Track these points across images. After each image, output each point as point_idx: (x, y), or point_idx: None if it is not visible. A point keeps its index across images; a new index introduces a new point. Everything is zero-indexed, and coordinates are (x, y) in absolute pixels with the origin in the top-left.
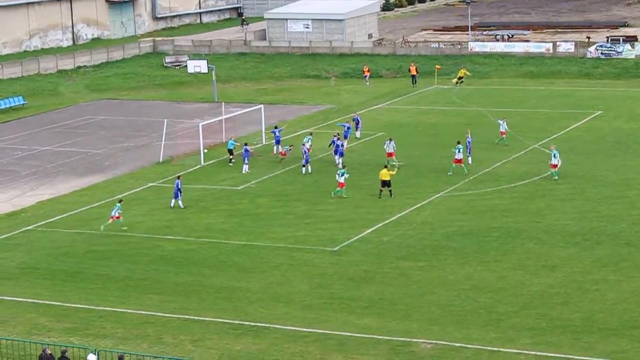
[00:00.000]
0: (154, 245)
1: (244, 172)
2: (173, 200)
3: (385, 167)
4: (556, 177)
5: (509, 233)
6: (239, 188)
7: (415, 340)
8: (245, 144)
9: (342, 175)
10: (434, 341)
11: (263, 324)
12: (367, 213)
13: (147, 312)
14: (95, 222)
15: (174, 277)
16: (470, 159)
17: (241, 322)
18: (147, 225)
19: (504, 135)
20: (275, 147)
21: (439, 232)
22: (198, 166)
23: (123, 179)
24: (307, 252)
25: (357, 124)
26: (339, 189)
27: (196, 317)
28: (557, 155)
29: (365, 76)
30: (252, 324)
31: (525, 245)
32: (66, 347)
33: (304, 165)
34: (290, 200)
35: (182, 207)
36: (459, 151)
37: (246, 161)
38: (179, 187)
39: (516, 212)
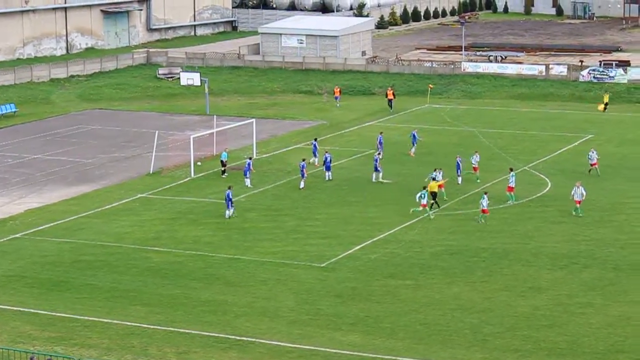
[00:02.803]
0: (141, 256)
1: (249, 185)
2: (227, 211)
3: (434, 179)
4: (581, 215)
5: (496, 254)
6: None
7: (400, 358)
8: (249, 158)
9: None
10: None
11: (248, 339)
12: (355, 230)
13: (133, 324)
14: (83, 231)
15: (161, 289)
16: (460, 179)
17: (227, 336)
18: (135, 236)
19: (595, 166)
20: (313, 159)
21: (427, 251)
22: (188, 178)
23: (113, 189)
24: (295, 267)
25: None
26: (482, 214)
27: (182, 330)
28: (584, 191)
29: (336, 97)
30: (238, 338)
31: (513, 267)
32: (51, 356)
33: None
34: (279, 215)
35: (235, 215)
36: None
37: (247, 175)
38: (230, 197)
39: (504, 233)
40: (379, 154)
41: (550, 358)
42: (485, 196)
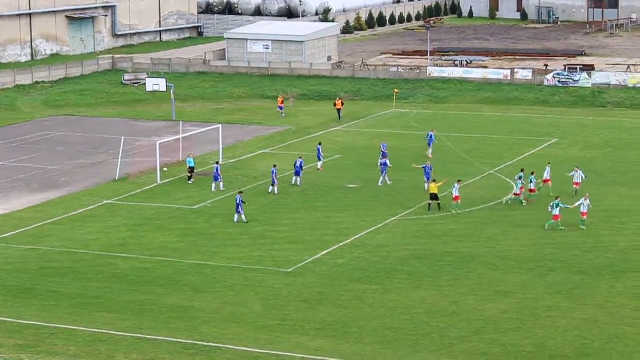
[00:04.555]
0: (108, 263)
1: (213, 190)
2: (236, 216)
3: (434, 180)
4: (583, 227)
5: (463, 258)
6: (195, 207)
7: None
8: (217, 162)
9: (557, 206)
10: None
11: (216, 344)
12: (322, 235)
13: (100, 330)
14: (49, 238)
15: (128, 296)
16: (427, 185)
17: (194, 342)
18: (101, 242)
19: (577, 187)
20: (319, 164)
21: (393, 255)
22: (154, 184)
23: (79, 196)
24: (262, 272)
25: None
26: (553, 221)
27: (149, 336)
28: (589, 204)
29: (280, 107)
30: (205, 344)
31: (479, 271)
32: None
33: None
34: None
35: (245, 221)
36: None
37: (219, 179)
38: (239, 201)
39: (471, 237)
40: (384, 157)
41: None
42: (558, 202)
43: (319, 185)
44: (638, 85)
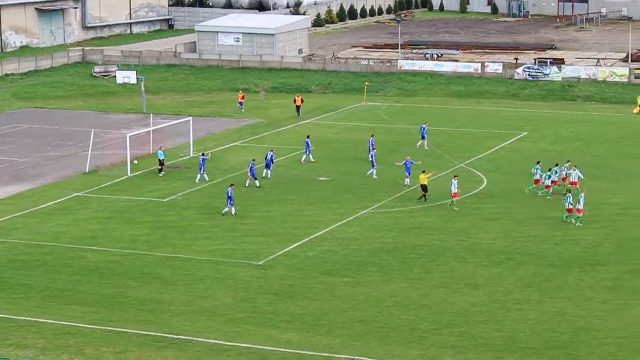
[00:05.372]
0: (78, 255)
1: (197, 181)
2: (226, 209)
3: (424, 172)
4: (580, 224)
5: (433, 251)
6: (166, 200)
7: (337, 356)
8: (202, 154)
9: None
10: (356, 357)
11: (186, 337)
12: (293, 228)
13: (69, 323)
14: (19, 231)
15: (98, 289)
16: (408, 180)
17: (164, 335)
18: (71, 235)
19: (575, 186)
20: (304, 156)
21: (364, 248)
22: (125, 177)
23: (49, 189)
24: (232, 265)
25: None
26: (568, 214)
27: (119, 329)
28: (583, 199)
29: (240, 102)
30: (175, 337)
31: (450, 264)
32: None
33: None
34: (217, 213)
35: (234, 214)
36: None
37: (202, 170)
38: (230, 194)
39: (441, 230)
40: (374, 150)
41: (487, 354)
42: (570, 195)
43: (290, 178)
44: (608, 79)
